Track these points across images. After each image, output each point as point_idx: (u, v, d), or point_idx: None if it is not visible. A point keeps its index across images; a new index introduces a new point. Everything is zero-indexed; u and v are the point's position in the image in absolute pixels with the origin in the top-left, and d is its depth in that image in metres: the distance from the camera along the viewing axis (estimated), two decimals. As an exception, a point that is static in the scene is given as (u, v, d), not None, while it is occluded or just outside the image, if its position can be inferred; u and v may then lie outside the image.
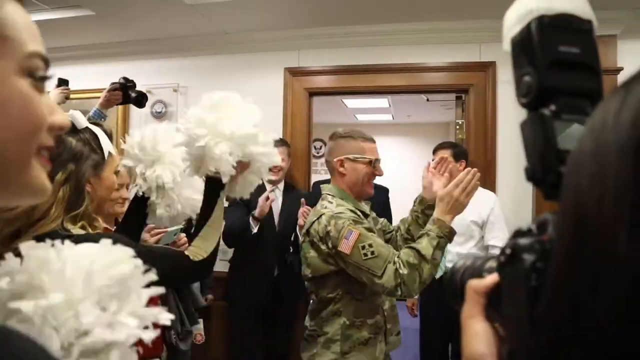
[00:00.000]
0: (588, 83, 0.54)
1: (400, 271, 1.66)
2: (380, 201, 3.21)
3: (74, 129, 1.33)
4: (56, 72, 0.83)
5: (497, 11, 3.00)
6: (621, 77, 3.10)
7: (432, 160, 2.09)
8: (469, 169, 1.76)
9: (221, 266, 3.56)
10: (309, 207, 2.77)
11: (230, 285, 3.15)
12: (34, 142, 0.51)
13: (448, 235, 1.73)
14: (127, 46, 3.77)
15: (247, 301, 3.02)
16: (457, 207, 1.74)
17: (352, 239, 1.71)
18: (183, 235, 2.17)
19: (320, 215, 1.82)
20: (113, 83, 2.65)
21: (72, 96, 2.87)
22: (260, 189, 2.81)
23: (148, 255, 1.35)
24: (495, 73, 3.37)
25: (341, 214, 1.79)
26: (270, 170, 2.79)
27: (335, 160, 1.95)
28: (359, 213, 1.87)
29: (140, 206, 1.71)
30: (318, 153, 7.20)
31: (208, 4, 3.07)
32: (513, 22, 0.57)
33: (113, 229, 1.89)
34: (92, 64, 3.89)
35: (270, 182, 2.99)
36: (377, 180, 2.08)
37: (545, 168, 0.51)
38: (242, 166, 1.51)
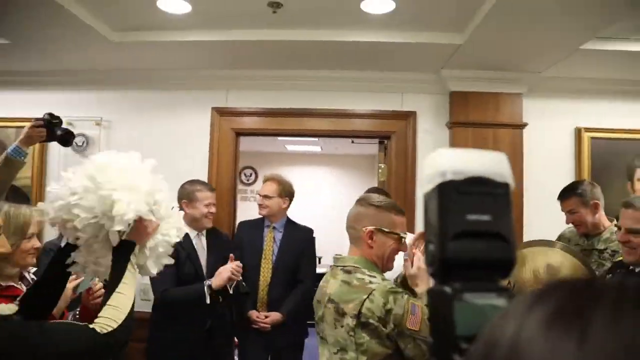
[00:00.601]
0: (497, 253, 0.52)
1: None
2: (305, 239, 3.20)
3: None
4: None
5: (419, 65, 3.14)
6: (526, 132, 3.33)
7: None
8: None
9: (142, 305, 3.38)
10: (239, 263, 2.68)
11: (155, 343, 2.81)
12: None
13: None
14: (47, 76, 3.56)
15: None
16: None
17: (419, 313, 1.55)
18: (97, 280, 2.06)
19: (371, 292, 1.59)
20: (37, 119, 2.39)
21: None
22: (186, 237, 2.69)
23: (45, 336, 1.24)
24: (415, 122, 3.49)
25: (395, 288, 1.62)
26: (205, 216, 2.73)
27: (365, 229, 1.73)
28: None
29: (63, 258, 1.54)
30: (248, 180, 7.11)
31: (135, 43, 2.96)
32: (425, 178, 0.56)
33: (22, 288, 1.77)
34: (7, 91, 3.62)
35: (196, 228, 2.85)
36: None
37: (444, 350, 0.50)
38: (152, 226, 1.44)
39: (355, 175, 7.35)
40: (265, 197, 3.11)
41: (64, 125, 3.04)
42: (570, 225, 2.93)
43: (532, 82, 3.37)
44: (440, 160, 0.54)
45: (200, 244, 2.87)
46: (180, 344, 2.69)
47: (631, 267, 2.05)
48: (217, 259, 2.83)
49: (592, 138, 3.44)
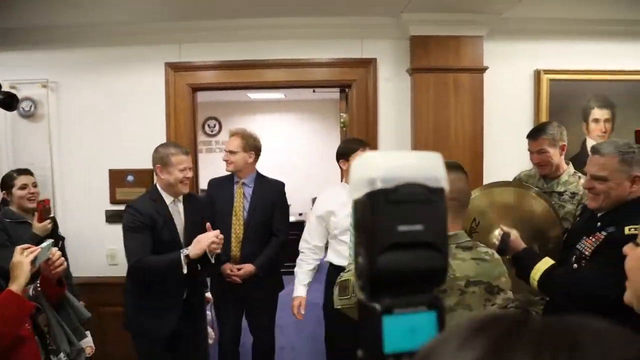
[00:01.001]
0: (429, 263, 0.49)
1: None
2: (275, 192, 3.17)
3: None
4: None
5: (377, 9, 3.02)
6: (486, 76, 3.29)
7: None
8: None
9: (110, 270, 3.34)
10: (218, 233, 2.55)
11: (133, 313, 2.68)
12: None
13: None
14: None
15: (154, 332, 2.64)
16: None
17: None
18: (55, 249, 2.00)
19: (501, 262, 1.69)
20: None
21: None
22: (162, 203, 2.61)
23: None
24: (376, 69, 3.40)
25: None
26: (181, 182, 2.60)
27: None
28: None
29: None
30: (212, 132, 6.94)
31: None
32: (353, 184, 0.50)
33: None
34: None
35: (171, 194, 2.68)
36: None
37: None
38: None
39: (319, 120, 7.27)
40: (230, 152, 3.05)
41: (4, 89, 2.85)
42: (526, 168, 2.97)
43: (493, 24, 3.29)
44: (369, 166, 0.49)
45: (177, 210, 2.69)
46: (155, 311, 2.62)
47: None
48: (194, 225, 2.69)
49: (551, 80, 3.42)
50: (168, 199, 2.66)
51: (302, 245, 3.05)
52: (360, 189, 0.49)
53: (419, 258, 0.48)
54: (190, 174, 2.66)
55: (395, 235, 0.48)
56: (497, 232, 2.17)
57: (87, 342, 2.76)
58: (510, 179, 2.90)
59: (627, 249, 0.84)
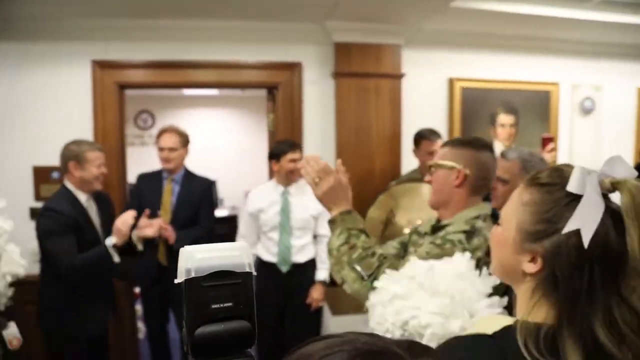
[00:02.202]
0: (238, 331, 0.61)
1: None
2: (202, 190, 3.20)
3: None
4: None
5: (302, 15, 3.10)
6: (404, 82, 3.46)
7: None
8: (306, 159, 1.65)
9: (35, 268, 3.27)
10: (130, 212, 2.59)
11: (52, 312, 2.59)
12: None
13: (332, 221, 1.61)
14: None
15: (82, 333, 2.60)
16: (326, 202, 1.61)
17: None
18: None
19: None
20: None
21: None
22: (76, 202, 2.59)
23: None
24: (301, 72, 3.49)
25: None
26: (97, 178, 2.59)
27: None
28: None
29: None
30: (145, 125, 6.80)
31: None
32: (179, 271, 0.61)
33: None
34: None
35: (86, 191, 2.67)
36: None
37: None
38: None
39: (250, 117, 7.26)
40: (171, 149, 3.06)
41: None
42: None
43: (410, 35, 3.46)
44: (187, 258, 0.60)
45: (92, 208, 2.72)
46: (85, 312, 2.61)
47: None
48: (109, 220, 2.73)
49: (463, 88, 3.65)
50: (82, 197, 2.63)
51: (240, 240, 3.14)
52: (181, 276, 0.60)
53: (230, 328, 0.61)
54: (105, 170, 2.67)
55: (209, 313, 0.60)
56: (406, 222, 2.37)
57: (11, 334, 2.61)
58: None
59: (493, 228, 1.01)
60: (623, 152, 4.13)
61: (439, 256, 1.42)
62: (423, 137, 3.23)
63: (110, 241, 2.51)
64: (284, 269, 3.04)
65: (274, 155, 3.08)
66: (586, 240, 0.80)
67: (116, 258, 2.51)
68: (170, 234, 2.93)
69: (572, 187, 0.84)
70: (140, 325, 3.75)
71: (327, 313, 3.21)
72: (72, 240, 2.50)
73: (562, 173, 0.89)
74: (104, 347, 2.86)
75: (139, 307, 3.66)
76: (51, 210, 2.50)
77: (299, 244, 3.05)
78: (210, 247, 0.61)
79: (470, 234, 1.49)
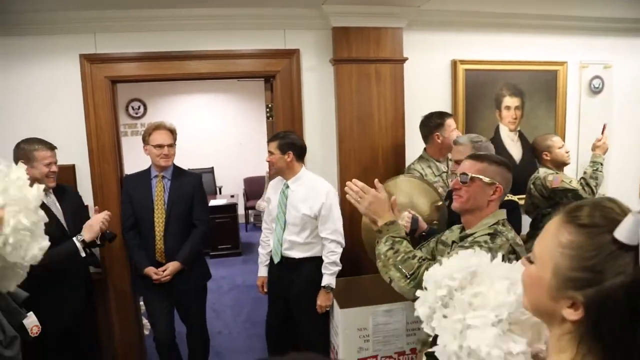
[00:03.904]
0: None
1: None
2: (193, 184, 3.09)
3: None
4: None
5: (298, 0, 2.85)
6: (407, 65, 3.28)
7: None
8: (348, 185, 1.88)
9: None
10: (107, 212, 2.68)
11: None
12: None
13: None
14: None
15: (53, 326, 2.44)
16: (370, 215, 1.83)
17: None
18: None
19: None
20: None
21: None
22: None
23: None
24: (299, 60, 3.32)
25: None
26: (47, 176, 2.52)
27: None
28: None
29: None
30: (136, 114, 6.62)
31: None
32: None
33: None
34: None
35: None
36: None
37: None
38: None
39: (251, 101, 7.07)
40: (170, 146, 2.98)
41: None
42: None
43: (412, 16, 3.27)
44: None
45: (52, 203, 2.68)
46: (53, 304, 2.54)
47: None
48: (74, 215, 2.74)
49: (466, 70, 3.47)
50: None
51: (263, 226, 3.24)
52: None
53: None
54: (55, 169, 2.66)
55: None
56: (405, 214, 2.38)
57: (32, 322, 2.57)
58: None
59: (523, 261, 0.90)
60: (634, 134, 3.97)
61: None
62: (447, 116, 3.10)
63: (80, 238, 2.58)
64: (275, 259, 3.02)
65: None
66: None
67: (82, 254, 2.58)
68: (171, 271, 2.95)
69: (621, 235, 0.71)
70: (145, 321, 3.66)
71: (334, 306, 3.09)
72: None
73: (605, 213, 0.76)
74: (81, 339, 2.81)
75: (142, 304, 3.56)
76: None
77: (291, 239, 2.94)
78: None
79: (493, 235, 1.70)
